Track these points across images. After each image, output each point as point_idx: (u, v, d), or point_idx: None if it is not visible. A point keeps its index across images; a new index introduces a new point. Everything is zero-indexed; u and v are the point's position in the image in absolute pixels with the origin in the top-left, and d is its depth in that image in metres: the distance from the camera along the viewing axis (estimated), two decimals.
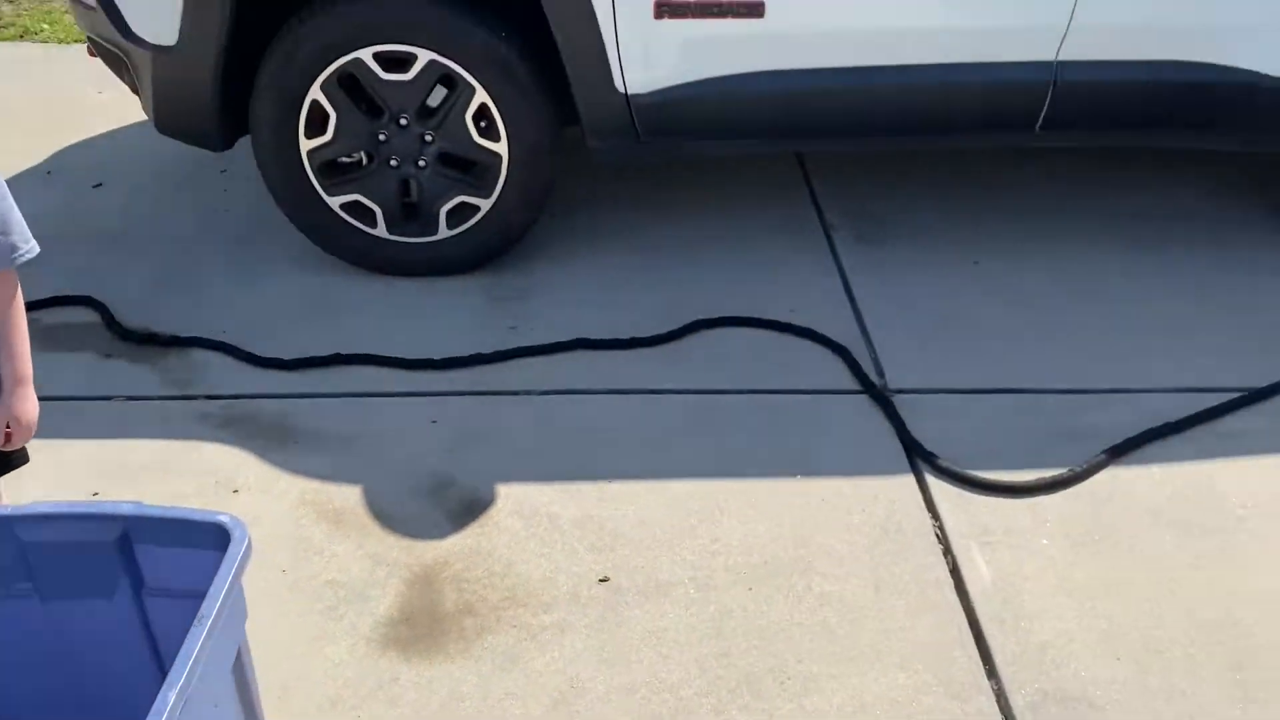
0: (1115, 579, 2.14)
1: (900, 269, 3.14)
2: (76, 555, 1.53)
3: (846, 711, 1.89)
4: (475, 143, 2.90)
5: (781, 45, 2.82)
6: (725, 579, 2.15)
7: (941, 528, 2.27)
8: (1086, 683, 1.94)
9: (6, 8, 5.18)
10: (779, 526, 2.27)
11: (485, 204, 2.98)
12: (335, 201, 2.98)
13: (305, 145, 2.90)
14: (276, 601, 2.11)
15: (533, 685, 1.94)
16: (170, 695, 1.25)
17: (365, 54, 2.79)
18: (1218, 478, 2.39)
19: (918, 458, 2.44)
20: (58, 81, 4.47)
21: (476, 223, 3.00)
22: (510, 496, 2.35)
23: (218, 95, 2.86)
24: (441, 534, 2.26)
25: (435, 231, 3.01)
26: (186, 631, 1.33)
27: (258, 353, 2.78)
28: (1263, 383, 2.65)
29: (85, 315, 2.95)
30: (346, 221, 3.00)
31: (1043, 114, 2.92)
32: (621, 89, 2.83)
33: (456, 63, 2.79)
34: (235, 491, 2.37)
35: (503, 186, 2.94)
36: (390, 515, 2.31)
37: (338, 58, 2.79)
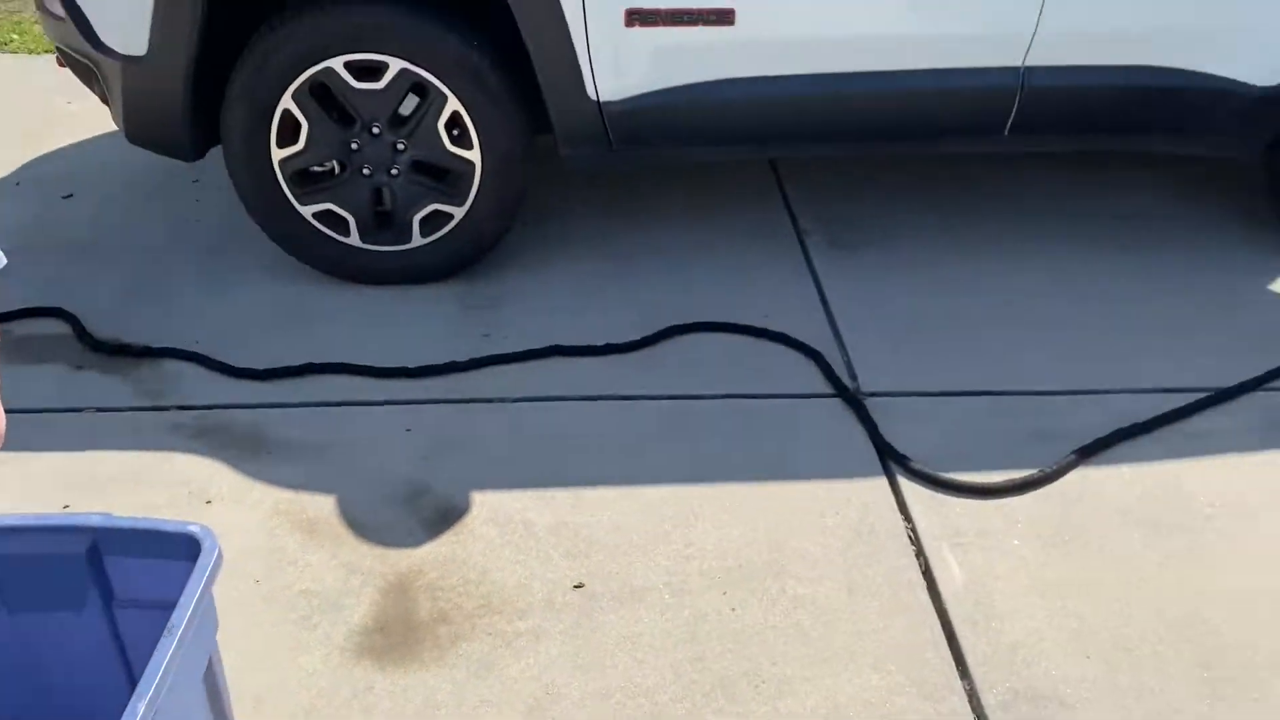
0: (1085, 579, 2.17)
1: (873, 273, 3.16)
2: (45, 568, 1.52)
3: (820, 713, 1.90)
4: (448, 151, 2.90)
5: (752, 52, 2.84)
6: (700, 583, 2.16)
7: (914, 529, 2.28)
8: (1057, 681, 1.96)
9: None
10: (753, 530, 2.28)
11: (458, 212, 2.98)
12: (308, 210, 2.97)
13: (277, 154, 2.90)
14: (250, 612, 2.10)
15: (508, 692, 1.94)
16: (140, 706, 1.25)
17: (336, 63, 2.79)
18: (1185, 477, 2.42)
19: (890, 460, 2.46)
20: (27, 92, 4.44)
21: (450, 231, 3.01)
22: (485, 504, 2.35)
23: (188, 105, 2.85)
24: (416, 542, 2.26)
25: (408, 240, 3.01)
26: (157, 643, 1.32)
27: (231, 363, 2.77)
28: (1229, 382, 2.69)
29: (56, 327, 2.93)
30: (319, 230, 3.00)
31: (1011, 119, 2.95)
32: (593, 96, 2.84)
33: (428, 71, 2.79)
34: (208, 502, 2.36)
35: (476, 194, 2.95)
36: (364, 524, 2.30)
37: (309, 67, 2.79)
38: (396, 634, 2.06)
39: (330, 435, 2.55)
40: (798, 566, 2.19)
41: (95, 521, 1.52)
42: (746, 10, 2.77)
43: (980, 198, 3.53)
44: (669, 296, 3.04)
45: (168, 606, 1.38)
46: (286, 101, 2.83)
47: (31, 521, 1.54)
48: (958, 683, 1.96)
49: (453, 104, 2.83)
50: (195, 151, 2.98)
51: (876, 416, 2.58)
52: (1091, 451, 2.46)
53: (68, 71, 3.16)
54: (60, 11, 2.84)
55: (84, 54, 2.91)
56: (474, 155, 2.90)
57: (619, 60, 2.80)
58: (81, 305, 3.00)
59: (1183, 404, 2.61)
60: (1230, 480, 2.41)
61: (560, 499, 2.36)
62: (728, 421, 2.60)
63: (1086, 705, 1.92)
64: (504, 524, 2.30)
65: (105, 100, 3.05)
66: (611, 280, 3.13)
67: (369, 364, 2.76)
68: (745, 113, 2.94)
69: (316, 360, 2.77)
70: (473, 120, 2.85)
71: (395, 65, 2.78)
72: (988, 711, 1.91)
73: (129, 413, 2.63)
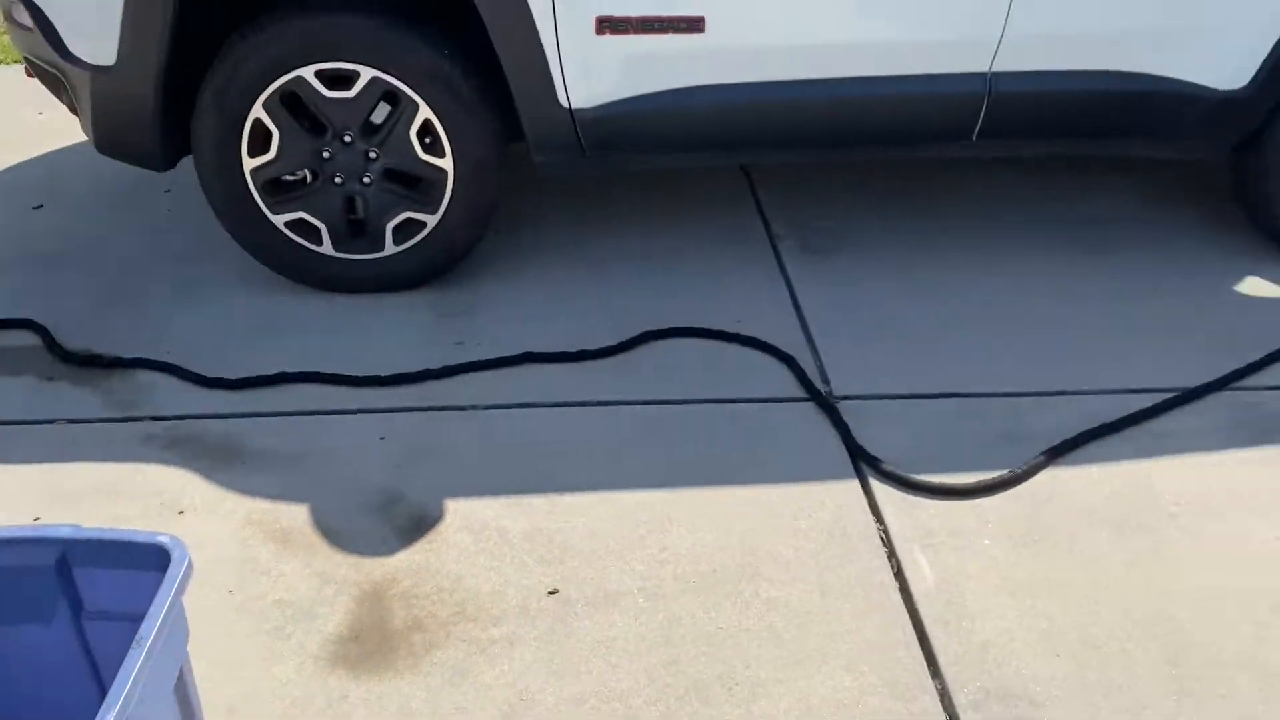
0: (1054, 578, 2.19)
1: (845, 278, 3.18)
2: (14, 580, 1.52)
3: (793, 715, 1.91)
4: (420, 159, 2.90)
5: (722, 60, 2.86)
6: (674, 588, 2.17)
7: (886, 531, 2.30)
8: (1027, 680, 1.98)
9: None
10: (727, 534, 2.29)
11: (431, 220, 2.98)
12: (280, 219, 2.97)
13: (249, 164, 2.89)
14: (223, 623, 2.09)
15: (482, 698, 1.95)
16: (108, 718, 1.24)
17: (307, 72, 2.79)
18: (1153, 477, 2.45)
19: (862, 463, 2.48)
20: None
21: (423, 239, 3.01)
22: (459, 511, 2.35)
23: (158, 115, 2.84)
24: (390, 550, 2.26)
25: (381, 248, 3.01)
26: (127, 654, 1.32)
27: (203, 373, 2.76)
28: (1195, 382, 2.72)
29: (25, 338, 2.92)
30: (291, 239, 3.00)
31: (979, 124, 2.98)
32: (565, 104, 2.86)
33: (399, 79, 2.79)
34: (180, 513, 2.35)
35: (449, 202, 2.95)
36: (338, 533, 2.30)
37: (280, 76, 2.79)
38: (371, 642, 2.06)
39: (304, 444, 2.55)
40: (771, 569, 2.21)
41: (64, 533, 1.51)
42: (716, 18, 2.79)
43: (950, 202, 3.57)
44: (642, 302, 3.06)
45: (138, 618, 1.38)
46: (258, 110, 2.82)
47: (0, 534, 1.53)
48: (929, 682, 1.98)
49: (424, 112, 2.84)
50: (166, 161, 2.97)
51: (849, 419, 2.60)
52: (1060, 452, 2.49)
53: (36, 81, 3.14)
54: (28, 21, 2.83)
55: (52, 64, 2.90)
56: (446, 163, 2.90)
57: (590, 68, 2.81)
58: (52, 316, 2.98)
59: (1150, 404, 2.64)
60: (1196, 479, 2.44)
61: (534, 505, 2.37)
62: (702, 426, 2.62)
63: (1056, 703, 1.94)
64: (478, 531, 2.30)
65: (74, 110, 3.04)
66: (585, 287, 3.14)
67: (342, 373, 2.76)
68: (716, 120, 2.96)
69: (290, 369, 2.77)
70: (444, 128, 2.86)
71: (366, 74, 2.79)
72: (959, 711, 1.93)
73: (100, 424, 2.62)
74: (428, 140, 2.90)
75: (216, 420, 2.63)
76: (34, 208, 3.59)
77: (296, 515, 2.34)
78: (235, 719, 1.91)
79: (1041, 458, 2.47)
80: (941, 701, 1.95)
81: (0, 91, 4.50)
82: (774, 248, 3.35)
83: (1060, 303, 3.06)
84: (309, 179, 2.96)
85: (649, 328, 2.93)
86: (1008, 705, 1.93)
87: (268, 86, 2.79)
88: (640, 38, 2.79)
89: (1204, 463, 2.49)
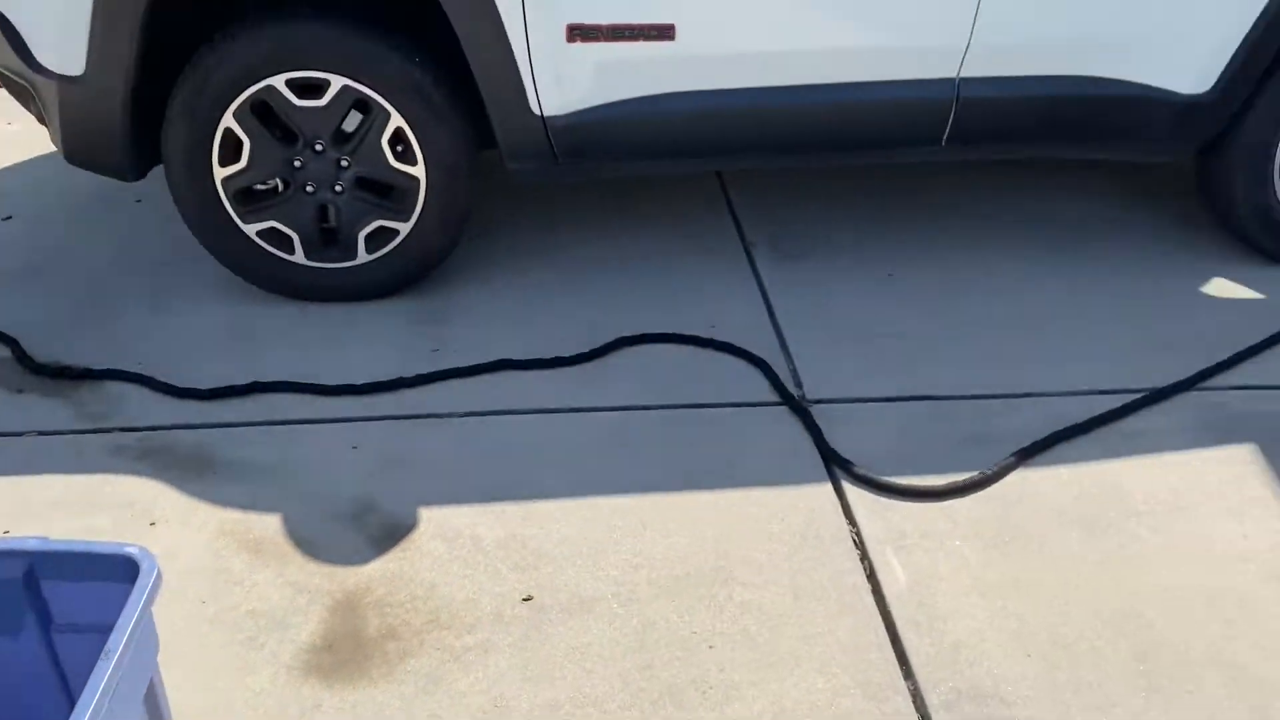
0: (1025, 578, 2.21)
1: (818, 282, 3.20)
2: None
3: (767, 718, 1.92)
4: (392, 167, 2.90)
5: (693, 67, 2.88)
6: (648, 592, 2.18)
7: (859, 533, 2.32)
8: (999, 679, 2.00)
9: None
10: (700, 538, 2.30)
11: (404, 228, 2.98)
12: (252, 229, 2.96)
13: (219, 173, 2.88)
14: (196, 634, 2.08)
15: (456, 706, 1.94)
16: None
17: (278, 81, 2.78)
18: (1122, 477, 2.47)
19: (835, 466, 2.49)
20: None
21: (396, 247, 3.01)
22: (433, 519, 2.35)
23: (128, 125, 2.83)
24: (363, 559, 2.25)
25: (354, 256, 3.01)
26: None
27: (175, 383, 2.75)
28: (1163, 383, 2.75)
29: None
30: (264, 249, 2.99)
31: (947, 129, 3.01)
32: (537, 111, 2.86)
33: (370, 88, 2.79)
34: (152, 524, 2.34)
35: (421, 210, 2.95)
36: (311, 542, 2.29)
37: (250, 85, 2.78)
38: (344, 651, 2.05)
39: (276, 454, 2.54)
40: (745, 573, 2.22)
41: (31, 545, 1.50)
42: (687, 25, 2.80)
43: (921, 206, 3.59)
44: (617, 308, 3.06)
45: (107, 629, 1.37)
46: (228, 120, 2.82)
47: None
48: (902, 683, 1.99)
49: (396, 120, 2.84)
50: (136, 171, 2.96)
51: (821, 423, 2.62)
52: (1030, 453, 2.52)
53: (3, 91, 3.13)
54: None
55: (19, 74, 2.88)
56: (418, 171, 2.90)
57: (561, 75, 2.82)
58: (21, 328, 2.96)
59: (1118, 405, 2.67)
60: (1165, 479, 2.47)
61: (509, 512, 2.37)
62: (676, 431, 2.62)
63: (1027, 702, 1.96)
64: (452, 539, 2.30)
65: (42, 120, 3.02)
66: (559, 293, 3.15)
67: (316, 382, 2.76)
68: (688, 126, 2.97)
69: (262, 379, 2.76)
70: (416, 136, 2.86)
71: (337, 82, 2.79)
72: (931, 711, 1.94)
73: (71, 436, 2.60)
74: (399, 148, 2.90)
75: (188, 431, 2.62)
76: (3, 219, 3.57)
77: (269, 525, 2.33)
78: None
79: (1012, 459, 2.49)
80: (914, 702, 1.96)
81: None
82: (747, 253, 3.36)
83: (1029, 304, 3.09)
84: (280, 188, 2.95)
85: (623, 334, 2.94)
86: (979, 705, 1.95)
87: (238, 96, 2.79)
88: (611, 45, 2.80)
89: (1172, 463, 2.52)
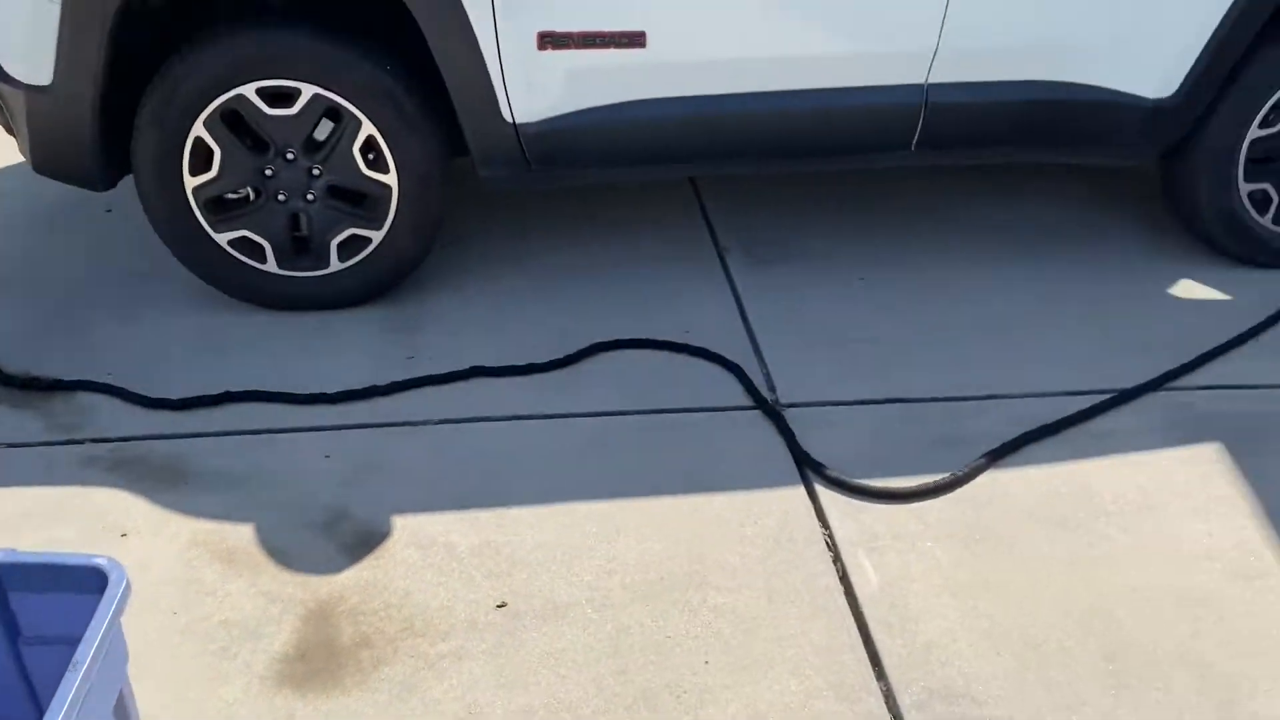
0: (995, 579, 2.23)
1: (791, 287, 3.22)
2: None
3: None
4: (364, 175, 2.90)
5: (664, 74, 2.89)
6: (622, 597, 2.18)
7: (831, 536, 2.33)
8: (970, 679, 2.02)
9: None
10: (674, 543, 2.31)
11: (377, 236, 2.98)
12: (223, 238, 2.95)
13: (190, 182, 2.87)
14: (168, 645, 2.07)
15: (430, 713, 1.94)
16: None
17: (249, 89, 2.78)
18: (1091, 477, 2.50)
19: (808, 469, 2.51)
20: None
21: (368, 255, 3.00)
22: (406, 527, 2.35)
23: (97, 134, 2.81)
24: (337, 568, 2.25)
25: (327, 265, 3.00)
26: None
27: (146, 393, 2.73)
28: (1131, 384, 2.79)
29: None
30: (235, 258, 2.98)
31: (917, 134, 3.04)
32: (509, 119, 2.87)
33: (341, 96, 2.79)
34: (124, 535, 2.33)
35: (394, 218, 2.95)
36: (284, 552, 2.29)
37: (221, 94, 2.77)
38: (318, 660, 2.05)
39: (249, 464, 2.53)
40: (718, 577, 2.23)
41: None
42: (657, 33, 2.81)
43: (893, 211, 3.62)
44: (591, 314, 3.07)
45: (76, 641, 1.37)
46: (198, 129, 2.81)
47: None
48: (874, 684, 2.01)
49: (367, 128, 2.84)
50: (106, 181, 2.94)
51: (795, 426, 2.63)
52: (1000, 455, 2.54)
53: None
54: None
55: None
56: (390, 179, 2.90)
57: (533, 83, 2.83)
58: None
59: (1087, 406, 2.70)
60: (1133, 479, 2.50)
61: (483, 519, 2.37)
62: (650, 436, 2.63)
63: (998, 701, 1.98)
64: (426, 546, 2.30)
65: (10, 130, 3.01)
66: (533, 300, 3.15)
67: (288, 391, 2.75)
68: (660, 133, 2.99)
69: (235, 389, 2.75)
70: (388, 144, 2.86)
71: (308, 91, 2.78)
72: (903, 711, 1.96)
73: (41, 447, 2.58)
74: (371, 156, 2.90)
75: (160, 441, 2.60)
76: None
77: (242, 535, 2.33)
78: None
79: (982, 460, 2.51)
80: (886, 703, 1.98)
81: None
82: (721, 258, 3.38)
83: (999, 308, 3.12)
84: (252, 197, 2.94)
85: (597, 339, 2.94)
86: (950, 704, 1.97)
87: (208, 105, 2.78)
88: (582, 53, 2.81)
89: (1140, 463, 2.55)
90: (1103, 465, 2.54)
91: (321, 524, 2.36)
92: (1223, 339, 2.95)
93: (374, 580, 2.22)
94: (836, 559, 2.28)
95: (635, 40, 2.82)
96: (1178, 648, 2.08)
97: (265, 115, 2.81)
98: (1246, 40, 2.98)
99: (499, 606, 2.16)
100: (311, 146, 2.88)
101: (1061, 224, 3.55)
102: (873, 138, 3.07)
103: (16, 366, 2.84)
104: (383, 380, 2.79)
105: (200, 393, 2.74)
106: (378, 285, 3.08)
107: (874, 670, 2.03)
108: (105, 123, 2.81)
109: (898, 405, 2.73)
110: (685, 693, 1.98)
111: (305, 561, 2.26)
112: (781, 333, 3.01)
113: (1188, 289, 3.22)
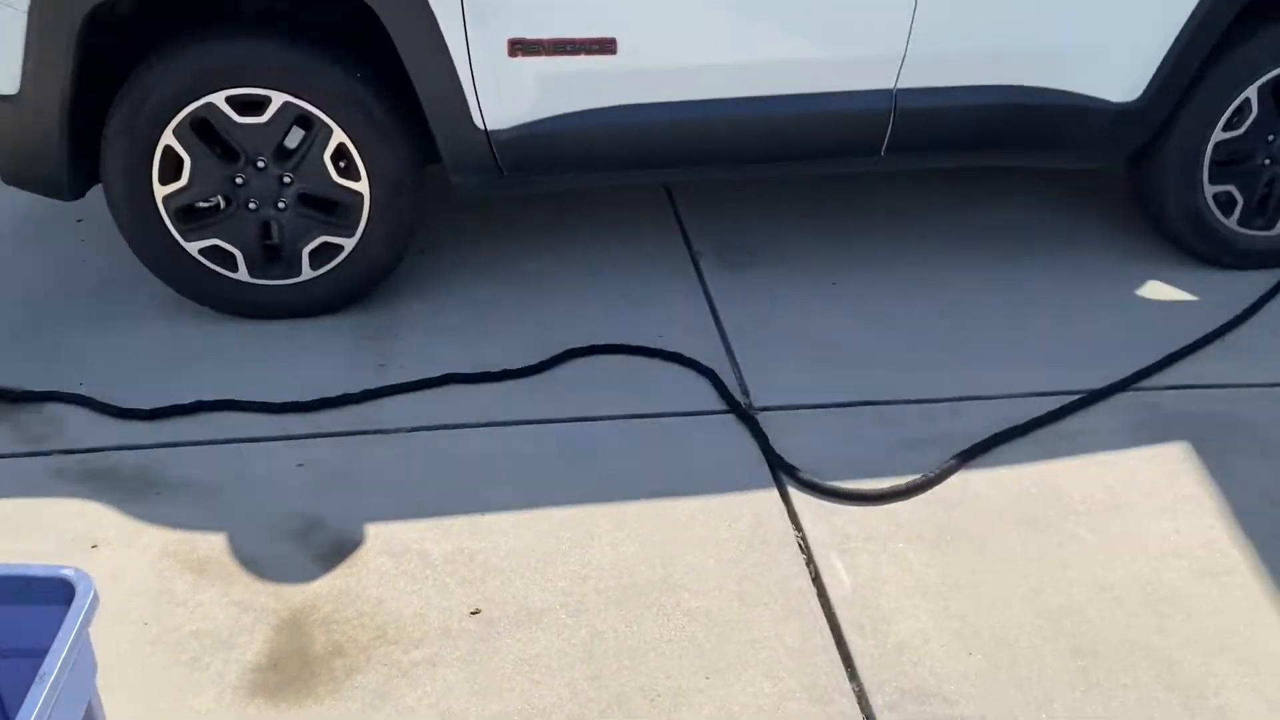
0: (966, 579, 2.25)
1: (764, 291, 3.24)
2: None
3: None
4: (335, 183, 2.90)
5: (635, 80, 2.90)
6: (596, 602, 2.19)
7: (804, 538, 2.35)
8: (942, 679, 2.03)
9: None
10: (648, 547, 2.32)
11: (349, 243, 2.97)
12: (194, 247, 2.94)
13: (160, 191, 2.86)
14: (139, 656, 2.06)
15: None
16: None
17: (218, 98, 2.77)
18: (1060, 477, 2.53)
19: (780, 472, 2.52)
20: None
21: (340, 262, 3.00)
22: (380, 535, 2.35)
23: (65, 144, 2.80)
24: (310, 577, 2.24)
25: (299, 273, 3.00)
26: None
27: (117, 404, 2.72)
28: (1100, 384, 2.81)
29: None
30: (207, 267, 2.96)
31: (886, 139, 3.06)
32: (481, 126, 2.87)
33: (312, 104, 2.79)
34: (94, 547, 2.31)
35: (365, 225, 2.95)
36: (257, 561, 2.28)
37: (190, 103, 2.76)
38: (291, 670, 2.04)
39: (221, 474, 2.52)
40: (691, 580, 2.24)
41: None
42: (628, 40, 2.83)
43: (865, 215, 3.65)
44: (564, 320, 3.08)
45: (43, 653, 1.36)
46: (168, 138, 2.80)
47: None
48: (847, 685, 2.02)
49: (338, 136, 2.83)
50: (75, 191, 2.92)
51: (768, 430, 2.64)
52: (970, 455, 2.56)
53: None
54: None
55: None
56: (362, 186, 2.90)
57: (504, 90, 2.83)
58: None
59: (1057, 406, 2.72)
60: (1101, 478, 2.52)
61: (457, 526, 2.37)
62: (624, 441, 2.64)
63: (969, 700, 1.99)
64: (399, 554, 2.30)
65: None
66: (507, 306, 3.15)
67: (260, 400, 2.74)
68: (631, 139, 3.00)
69: (207, 398, 2.74)
70: (359, 151, 2.86)
71: (278, 99, 2.78)
72: (876, 712, 1.97)
73: (9, 459, 2.56)
74: (342, 164, 2.89)
75: (131, 451, 2.59)
76: None
77: (214, 545, 2.32)
78: None
79: (953, 461, 2.53)
80: (859, 704, 1.99)
81: None
82: (694, 263, 3.39)
83: (969, 310, 3.15)
84: (223, 205, 2.93)
85: (571, 345, 2.95)
86: (923, 704, 1.98)
87: (178, 113, 2.77)
88: (553, 59, 2.82)
89: (1108, 462, 2.58)
90: (1072, 465, 2.56)
91: (294, 533, 2.35)
92: (1190, 339, 2.99)
93: (347, 589, 2.21)
94: (809, 561, 2.29)
95: (606, 47, 2.83)
96: (1146, 645, 2.11)
97: (235, 123, 2.80)
98: (1211, 44, 3.02)
99: (473, 613, 2.16)
100: (282, 154, 2.88)
101: (1031, 226, 3.59)
102: (842, 143, 3.10)
103: None
104: (355, 388, 2.78)
105: (171, 402, 2.72)
106: (350, 293, 3.07)
107: (847, 671, 2.05)
108: (74, 132, 2.79)
109: (869, 407, 2.75)
110: (659, 696, 1.99)
111: (278, 571, 2.25)
112: (754, 336, 3.03)
113: (1156, 290, 3.26)
